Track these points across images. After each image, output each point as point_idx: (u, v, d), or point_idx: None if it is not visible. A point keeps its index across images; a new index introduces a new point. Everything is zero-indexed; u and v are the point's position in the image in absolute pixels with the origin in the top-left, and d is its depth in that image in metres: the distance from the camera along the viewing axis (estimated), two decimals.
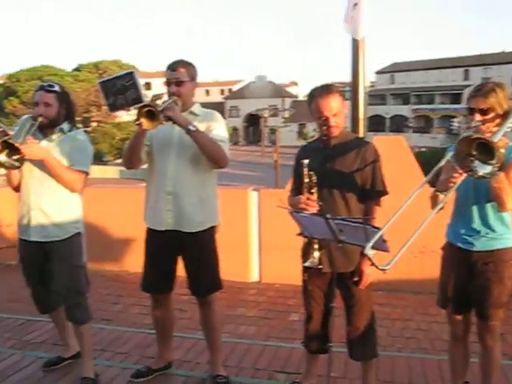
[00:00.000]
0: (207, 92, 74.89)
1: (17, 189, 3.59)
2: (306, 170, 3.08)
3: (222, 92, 79.48)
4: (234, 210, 5.89)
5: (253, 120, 68.44)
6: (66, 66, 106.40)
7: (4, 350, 4.30)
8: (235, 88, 78.66)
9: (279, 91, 72.01)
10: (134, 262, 6.62)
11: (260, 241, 6.42)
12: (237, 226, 6.10)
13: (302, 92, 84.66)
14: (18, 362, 4.05)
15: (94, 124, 59.42)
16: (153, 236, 3.54)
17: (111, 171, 37.12)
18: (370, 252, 2.36)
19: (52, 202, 3.49)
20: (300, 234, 3.03)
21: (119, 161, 46.99)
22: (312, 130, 47.78)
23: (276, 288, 6.19)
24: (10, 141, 3.11)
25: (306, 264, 3.18)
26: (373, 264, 2.38)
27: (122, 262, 6.85)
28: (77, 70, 69.77)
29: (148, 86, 64.11)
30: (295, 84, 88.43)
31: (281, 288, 6.14)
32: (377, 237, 2.36)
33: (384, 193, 3.21)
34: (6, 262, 7.37)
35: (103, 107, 65.39)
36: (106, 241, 6.81)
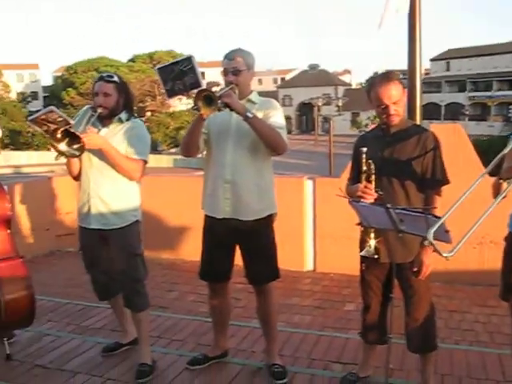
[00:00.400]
0: (260, 81, 74.87)
1: (76, 178, 3.65)
2: (364, 158, 3.01)
3: (275, 81, 79.34)
4: (289, 198, 5.85)
5: (305, 109, 68.10)
6: (122, 57, 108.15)
7: (64, 335, 4.40)
8: (288, 77, 78.38)
9: (332, 79, 71.36)
10: (190, 250, 6.74)
11: (315, 230, 6.37)
12: (292, 215, 6.06)
13: (355, 80, 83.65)
14: (78, 347, 4.14)
15: (149, 114, 60.31)
16: (211, 224, 3.53)
17: (165, 160, 37.62)
18: (432, 240, 2.28)
19: (111, 191, 3.53)
20: (359, 224, 2.98)
21: (173, 150, 47.66)
22: (365, 118, 47.10)
23: (331, 277, 6.14)
24: (71, 130, 3.15)
25: (362, 253, 3.12)
26: (436, 250, 2.30)
27: (178, 250, 6.93)
28: (132, 60, 70.97)
29: (203, 75, 64.69)
30: (348, 72, 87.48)
31: (335, 277, 6.08)
32: (439, 223, 2.28)
33: (445, 182, 3.11)
34: (65, 248, 7.57)
35: (158, 97, 66.46)
36: (163, 229, 6.90)
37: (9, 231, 3.80)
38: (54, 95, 71.52)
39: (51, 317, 4.87)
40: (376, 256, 3.06)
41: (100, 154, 3.42)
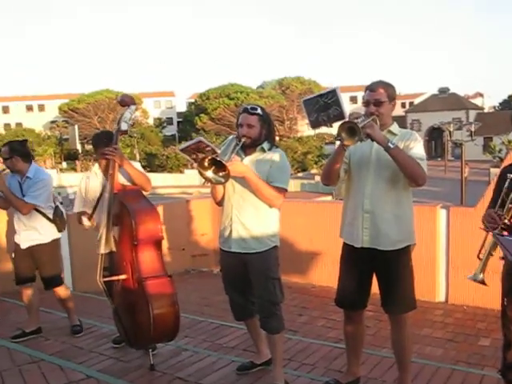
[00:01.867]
0: None
1: (219, 203, 3.85)
2: (507, 184, 2.95)
3: (404, 105, 77.79)
4: (421, 226, 5.75)
5: (435, 134, 65.98)
6: (252, 83, 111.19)
7: (201, 351, 4.63)
8: (417, 101, 76.55)
9: (463, 103, 68.64)
10: (320, 275, 6.83)
11: (448, 260, 6.20)
12: (424, 243, 5.96)
13: (487, 103, 79.87)
14: (214, 363, 4.33)
15: (277, 138, 61.39)
16: (349, 252, 3.59)
17: (293, 184, 38.04)
18: None
19: (252, 216, 3.69)
20: (503, 258, 2.90)
21: (300, 174, 48.06)
22: (499, 143, 44.67)
23: (464, 310, 5.94)
24: (218, 158, 3.34)
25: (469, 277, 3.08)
26: None
27: (308, 274, 7.02)
28: (261, 87, 72.83)
29: (355, 100, 65.73)
30: (480, 95, 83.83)
31: (469, 310, 5.88)
32: None
33: None
34: (200, 268, 7.93)
35: (286, 122, 67.55)
36: (293, 253, 7.02)
37: (159, 251, 4.08)
38: (187, 120, 75.03)
39: (188, 333, 5.14)
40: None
41: (243, 181, 3.59)
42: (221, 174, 3.32)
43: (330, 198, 27.36)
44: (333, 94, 3.35)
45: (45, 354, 4.44)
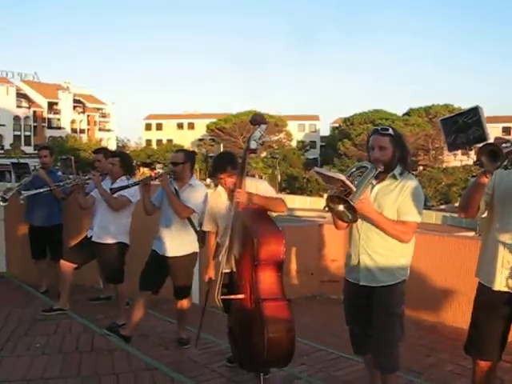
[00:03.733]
0: None
1: (340, 228, 3.66)
2: None
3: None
4: None
5: None
6: (397, 110, 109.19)
7: (314, 381, 4.45)
8: None
9: None
10: (453, 315, 6.36)
11: None
12: None
13: None
14: None
15: (421, 168, 59.54)
16: (485, 294, 3.26)
17: (434, 216, 36.61)
18: None
19: (381, 248, 3.45)
20: None
21: (443, 206, 46.15)
22: None
23: None
24: (347, 198, 3.11)
25: None
26: None
27: (440, 313, 6.55)
28: (407, 114, 71.27)
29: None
30: None
31: None
32: None
33: None
34: (327, 294, 7.74)
35: (431, 151, 65.42)
36: (425, 288, 6.59)
37: (279, 274, 3.97)
38: (330, 145, 75.30)
39: (305, 360, 4.96)
40: None
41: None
42: (350, 211, 3.12)
43: (472, 233, 25.91)
44: (474, 112, 2.99)
45: (160, 363, 4.48)
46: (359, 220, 3.43)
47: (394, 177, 3.44)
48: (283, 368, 4.29)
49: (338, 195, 3.14)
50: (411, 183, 3.42)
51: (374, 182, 3.45)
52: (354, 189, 3.16)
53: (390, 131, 3.42)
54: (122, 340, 4.97)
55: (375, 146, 3.40)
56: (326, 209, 3.25)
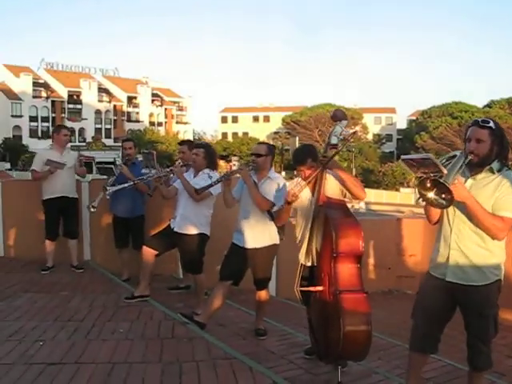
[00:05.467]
0: None
1: (435, 224, 3.55)
2: None
3: None
4: None
5: None
6: (478, 102, 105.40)
7: (392, 377, 4.40)
8: None
9: None
10: None
11: None
12: None
13: None
14: None
15: None
16: None
17: None
18: None
19: (475, 244, 3.33)
20: None
21: None
22: None
23: None
24: (442, 180, 3.02)
25: None
26: None
27: None
28: (488, 106, 68.64)
29: None
30: None
31: None
32: None
33: None
34: (404, 290, 7.61)
35: None
36: (507, 287, 6.33)
37: (358, 266, 3.96)
38: (406, 138, 73.70)
39: (382, 355, 4.93)
40: None
41: (464, 205, 3.23)
42: (444, 196, 3.02)
43: None
44: None
45: (239, 353, 4.56)
46: (451, 213, 3.36)
47: (492, 171, 3.29)
48: (360, 362, 4.28)
49: (432, 178, 3.04)
50: (509, 179, 3.25)
51: (468, 174, 3.32)
52: (445, 171, 3.07)
53: (491, 124, 3.27)
54: (197, 326, 5.08)
55: (472, 137, 3.27)
56: (420, 201, 3.19)
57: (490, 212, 3.22)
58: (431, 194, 3.06)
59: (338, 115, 4.13)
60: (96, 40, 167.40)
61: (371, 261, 7.59)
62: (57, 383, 3.84)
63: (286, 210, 4.37)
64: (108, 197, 6.70)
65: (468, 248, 3.33)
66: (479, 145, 3.23)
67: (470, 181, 3.31)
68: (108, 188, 6.63)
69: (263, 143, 5.44)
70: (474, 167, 3.29)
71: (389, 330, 5.67)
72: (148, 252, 5.96)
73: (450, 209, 3.34)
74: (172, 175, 6.27)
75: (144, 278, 6.07)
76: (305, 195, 4.42)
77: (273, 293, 6.54)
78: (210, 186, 5.18)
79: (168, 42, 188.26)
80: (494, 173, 3.28)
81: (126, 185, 6.52)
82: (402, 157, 3.31)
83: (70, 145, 7.72)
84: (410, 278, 7.70)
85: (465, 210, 3.26)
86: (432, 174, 3.06)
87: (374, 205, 33.18)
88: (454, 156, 3.30)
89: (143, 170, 6.54)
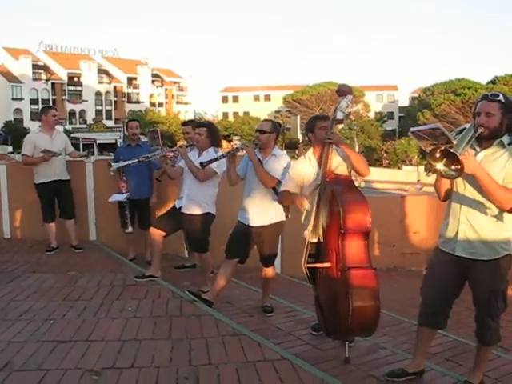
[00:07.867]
0: None
1: (444, 199, 3.55)
2: None
3: None
4: None
5: None
6: (481, 78, 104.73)
7: (400, 352, 4.43)
8: None
9: None
10: None
11: None
12: None
13: None
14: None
15: None
16: None
17: None
18: None
19: (485, 219, 3.34)
20: None
21: None
22: None
23: None
24: (452, 150, 3.01)
25: None
26: None
27: None
28: (492, 82, 68.04)
29: None
30: None
31: None
32: None
33: None
34: (409, 267, 7.65)
35: None
36: None
37: (366, 242, 3.98)
38: (409, 115, 73.25)
39: (388, 331, 4.98)
40: None
41: (473, 178, 3.22)
42: (453, 167, 3.00)
43: None
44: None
45: (247, 329, 4.61)
46: (461, 188, 3.36)
47: (502, 144, 3.29)
48: (367, 338, 4.33)
49: (441, 148, 3.03)
50: None
51: (478, 148, 3.32)
52: (454, 141, 3.08)
53: (501, 97, 3.26)
54: (204, 304, 5.12)
55: (482, 111, 3.25)
56: (426, 172, 3.19)
57: (501, 185, 3.21)
58: (440, 165, 3.04)
59: (344, 90, 4.12)
60: (95, 21, 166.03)
61: (375, 238, 7.63)
62: (69, 360, 3.89)
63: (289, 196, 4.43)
64: (112, 173, 6.71)
65: (478, 222, 3.34)
66: (489, 118, 3.22)
67: (480, 155, 3.30)
68: (112, 164, 6.65)
69: (268, 120, 5.44)
70: (484, 141, 3.29)
71: (394, 306, 5.74)
72: (156, 233, 5.99)
73: (460, 183, 3.36)
74: (177, 156, 6.27)
75: (155, 258, 6.11)
76: (312, 167, 4.43)
77: (278, 270, 6.57)
78: (215, 159, 5.20)
79: (168, 23, 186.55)
80: (504, 146, 3.28)
81: (130, 162, 6.51)
82: (411, 129, 3.30)
83: (61, 128, 7.75)
84: (415, 255, 7.76)
85: (475, 183, 3.25)
86: (442, 146, 3.06)
87: (376, 183, 33.05)
88: (464, 129, 3.29)
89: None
